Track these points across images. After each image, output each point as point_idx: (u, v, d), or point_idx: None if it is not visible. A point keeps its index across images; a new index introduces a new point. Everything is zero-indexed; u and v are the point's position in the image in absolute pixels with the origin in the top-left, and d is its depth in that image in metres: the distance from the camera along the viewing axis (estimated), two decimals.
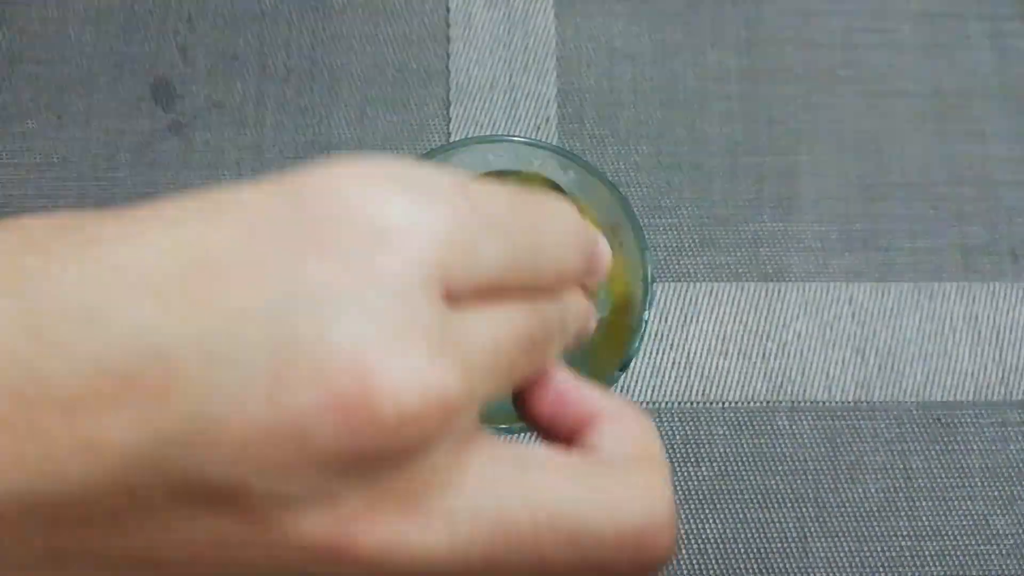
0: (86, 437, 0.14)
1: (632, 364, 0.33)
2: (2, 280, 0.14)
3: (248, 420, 0.14)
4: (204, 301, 0.14)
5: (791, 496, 0.36)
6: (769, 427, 0.37)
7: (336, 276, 0.15)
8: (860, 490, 0.36)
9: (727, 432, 0.37)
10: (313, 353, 0.14)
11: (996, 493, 0.36)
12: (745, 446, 0.36)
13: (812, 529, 0.36)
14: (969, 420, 0.37)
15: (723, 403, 0.37)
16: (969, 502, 0.36)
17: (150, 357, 0.14)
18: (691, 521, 0.36)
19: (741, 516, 0.36)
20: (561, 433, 0.19)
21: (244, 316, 0.14)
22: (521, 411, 0.20)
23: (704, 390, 0.37)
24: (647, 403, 0.37)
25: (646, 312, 0.28)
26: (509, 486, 0.16)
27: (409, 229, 0.15)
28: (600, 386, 0.20)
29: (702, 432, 0.37)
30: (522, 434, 0.30)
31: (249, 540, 0.15)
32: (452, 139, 0.40)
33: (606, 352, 0.29)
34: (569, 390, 0.19)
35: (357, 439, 0.14)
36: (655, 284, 0.33)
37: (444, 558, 0.16)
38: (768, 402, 0.37)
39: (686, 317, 0.38)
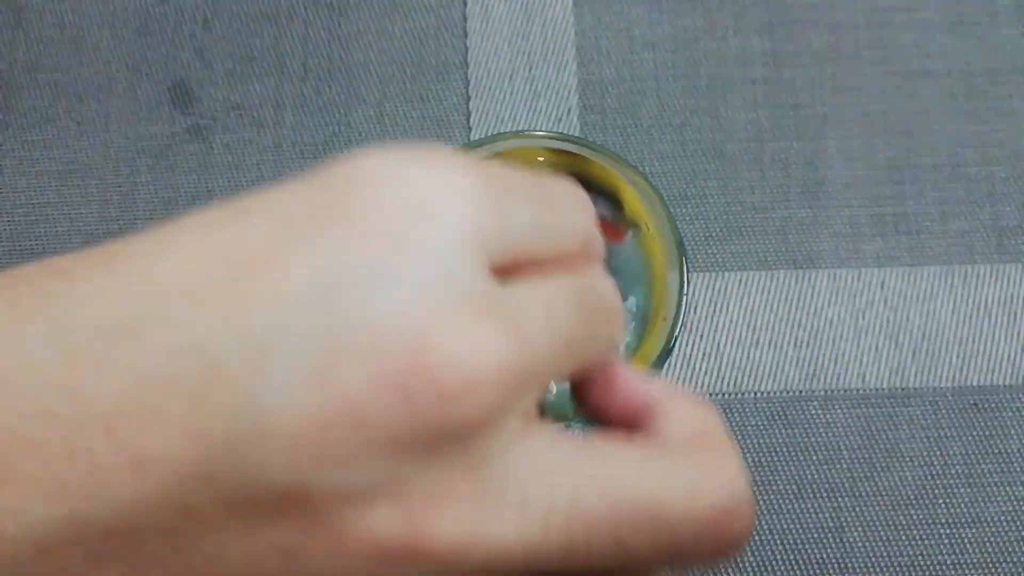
0: (131, 453, 0.13)
1: (671, 356, 0.32)
2: (27, 305, 0.14)
3: (299, 411, 0.13)
4: (242, 297, 0.14)
5: (826, 486, 0.36)
6: (803, 417, 0.36)
7: (376, 253, 0.14)
8: (896, 478, 0.36)
9: (760, 423, 0.36)
10: (361, 331, 0.14)
11: None
12: (779, 436, 0.36)
13: (848, 519, 0.35)
14: (1006, 404, 0.36)
15: (756, 393, 0.36)
16: (1008, 488, 0.36)
17: (189, 361, 0.13)
18: None
19: (776, 507, 0.35)
20: (621, 423, 0.19)
21: (285, 305, 0.14)
22: (581, 401, 0.19)
23: (736, 381, 0.37)
24: None
25: (683, 299, 0.27)
26: (583, 474, 0.16)
27: (440, 200, 0.15)
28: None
29: (735, 423, 0.36)
30: (578, 429, 0.30)
31: (315, 548, 0.14)
32: (473, 133, 0.39)
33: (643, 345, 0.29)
34: (628, 378, 0.19)
35: (416, 415, 0.14)
36: (690, 272, 0.33)
37: (520, 552, 0.15)
38: (801, 391, 0.36)
39: (716, 307, 0.37)
